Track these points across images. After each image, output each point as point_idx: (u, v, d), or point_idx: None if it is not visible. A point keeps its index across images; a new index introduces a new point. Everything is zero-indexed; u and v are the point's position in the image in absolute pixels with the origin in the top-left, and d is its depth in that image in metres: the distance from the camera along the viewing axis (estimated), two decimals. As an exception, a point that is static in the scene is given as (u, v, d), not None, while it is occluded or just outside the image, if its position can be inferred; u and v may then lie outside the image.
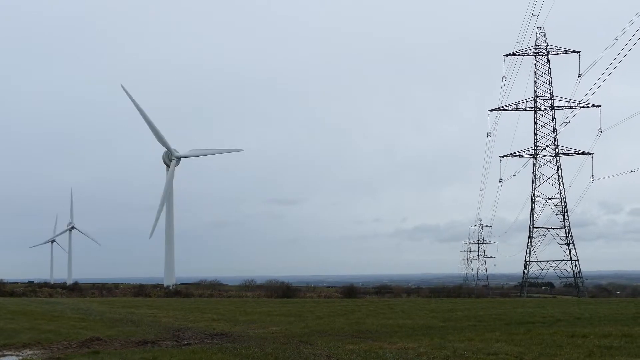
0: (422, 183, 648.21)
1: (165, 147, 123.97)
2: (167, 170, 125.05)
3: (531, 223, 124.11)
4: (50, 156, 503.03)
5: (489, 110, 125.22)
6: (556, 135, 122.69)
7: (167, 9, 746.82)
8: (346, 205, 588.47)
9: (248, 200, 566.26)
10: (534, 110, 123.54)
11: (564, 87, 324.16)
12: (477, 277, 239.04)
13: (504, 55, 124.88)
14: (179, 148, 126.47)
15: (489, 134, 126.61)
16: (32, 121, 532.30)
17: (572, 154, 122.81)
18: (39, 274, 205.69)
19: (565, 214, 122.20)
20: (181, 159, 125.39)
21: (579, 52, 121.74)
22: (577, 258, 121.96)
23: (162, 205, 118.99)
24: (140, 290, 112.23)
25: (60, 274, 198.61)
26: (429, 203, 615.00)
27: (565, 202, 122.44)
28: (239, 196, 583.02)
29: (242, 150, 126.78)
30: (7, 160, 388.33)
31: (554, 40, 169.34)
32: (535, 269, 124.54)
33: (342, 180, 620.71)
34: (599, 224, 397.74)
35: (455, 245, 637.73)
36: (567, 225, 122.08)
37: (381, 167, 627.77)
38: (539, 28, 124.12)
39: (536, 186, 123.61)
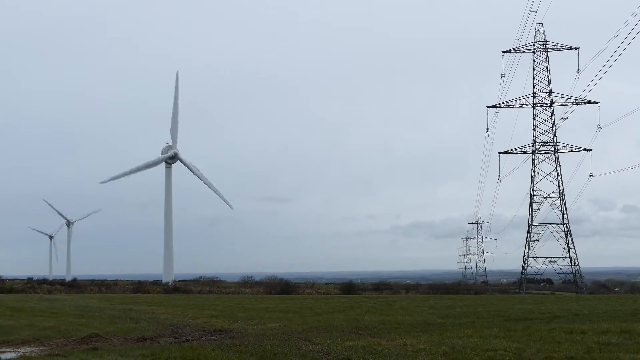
0: (418, 180, 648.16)
1: (164, 160, 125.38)
2: (166, 169, 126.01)
3: (530, 219, 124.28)
4: (51, 155, 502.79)
5: (487, 107, 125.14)
6: (555, 131, 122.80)
7: (166, 9, 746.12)
8: (343, 203, 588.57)
9: (244, 197, 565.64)
10: (532, 107, 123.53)
11: (563, 83, 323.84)
12: (476, 273, 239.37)
13: (502, 52, 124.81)
14: (177, 146, 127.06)
15: (487, 130, 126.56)
16: (32, 120, 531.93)
17: (571, 151, 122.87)
18: (38, 271, 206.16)
19: (564, 210, 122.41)
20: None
21: (578, 48, 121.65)
22: (576, 254, 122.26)
23: (212, 187, 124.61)
24: (139, 287, 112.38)
25: (59, 271, 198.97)
26: (425, 200, 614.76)
27: (563, 199, 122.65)
28: (235, 193, 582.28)
29: (178, 70, 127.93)
30: (8, 160, 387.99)
31: (553, 36, 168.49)
32: (533, 266, 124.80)
33: (339, 177, 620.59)
34: (594, 220, 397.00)
35: (453, 242, 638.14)
36: (565, 221, 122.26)
37: (378, 164, 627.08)
38: (537, 24, 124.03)
39: (535, 182, 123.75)
